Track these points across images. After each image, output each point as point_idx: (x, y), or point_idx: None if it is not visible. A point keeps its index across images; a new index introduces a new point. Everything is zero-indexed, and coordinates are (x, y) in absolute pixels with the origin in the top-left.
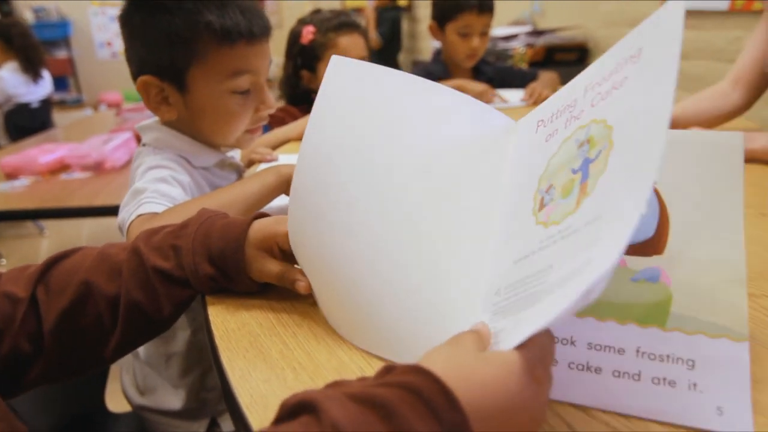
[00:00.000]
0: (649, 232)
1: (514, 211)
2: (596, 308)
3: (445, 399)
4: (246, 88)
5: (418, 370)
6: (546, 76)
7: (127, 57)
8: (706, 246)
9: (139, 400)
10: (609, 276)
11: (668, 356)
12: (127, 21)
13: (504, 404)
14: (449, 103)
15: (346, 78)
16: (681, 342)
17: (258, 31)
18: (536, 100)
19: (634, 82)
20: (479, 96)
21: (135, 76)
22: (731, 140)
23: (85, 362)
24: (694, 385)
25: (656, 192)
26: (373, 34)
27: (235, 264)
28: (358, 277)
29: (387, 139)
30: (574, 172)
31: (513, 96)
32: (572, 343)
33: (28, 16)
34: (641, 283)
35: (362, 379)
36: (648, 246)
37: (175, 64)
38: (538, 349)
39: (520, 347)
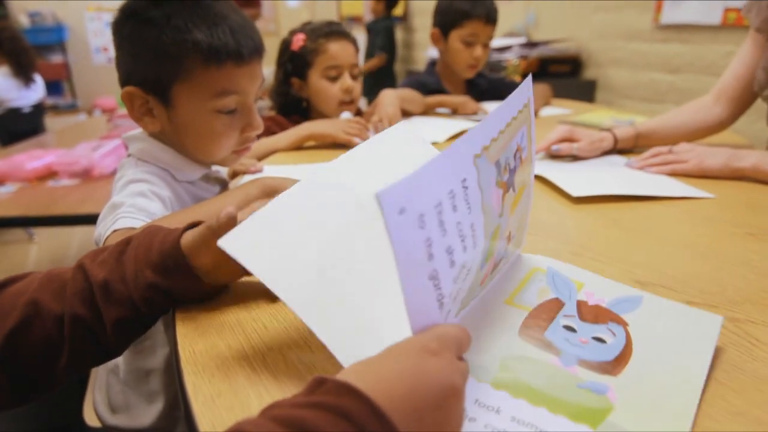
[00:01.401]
0: (609, 357)
1: None
2: (530, 394)
3: (377, 422)
4: (232, 109)
5: (348, 391)
6: (539, 89)
7: (116, 63)
8: (661, 386)
9: (111, 419)
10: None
11: None
12: (118, 29)
13: (409, 385)
14: None
15: (398, 137)
16: None
17: (247, 52)
18: None
19: None
20: (459, 106)
21: (122, 84)
22: (712, 319)
23: (37, 384)
24: None
25: (626, 330)
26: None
27: (174, 260)
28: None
29: None
30: None
31: None
32: (497, 411)
33: (23, 21)
34: (585, 391)
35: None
36: (604, 366)
37: (160, 79)
38: (430, 330)
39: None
